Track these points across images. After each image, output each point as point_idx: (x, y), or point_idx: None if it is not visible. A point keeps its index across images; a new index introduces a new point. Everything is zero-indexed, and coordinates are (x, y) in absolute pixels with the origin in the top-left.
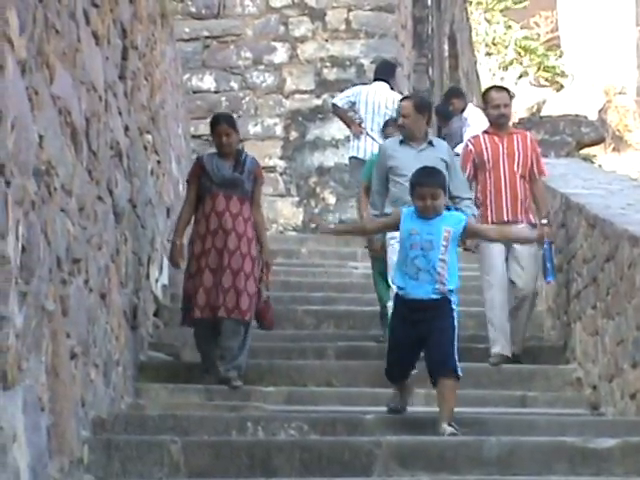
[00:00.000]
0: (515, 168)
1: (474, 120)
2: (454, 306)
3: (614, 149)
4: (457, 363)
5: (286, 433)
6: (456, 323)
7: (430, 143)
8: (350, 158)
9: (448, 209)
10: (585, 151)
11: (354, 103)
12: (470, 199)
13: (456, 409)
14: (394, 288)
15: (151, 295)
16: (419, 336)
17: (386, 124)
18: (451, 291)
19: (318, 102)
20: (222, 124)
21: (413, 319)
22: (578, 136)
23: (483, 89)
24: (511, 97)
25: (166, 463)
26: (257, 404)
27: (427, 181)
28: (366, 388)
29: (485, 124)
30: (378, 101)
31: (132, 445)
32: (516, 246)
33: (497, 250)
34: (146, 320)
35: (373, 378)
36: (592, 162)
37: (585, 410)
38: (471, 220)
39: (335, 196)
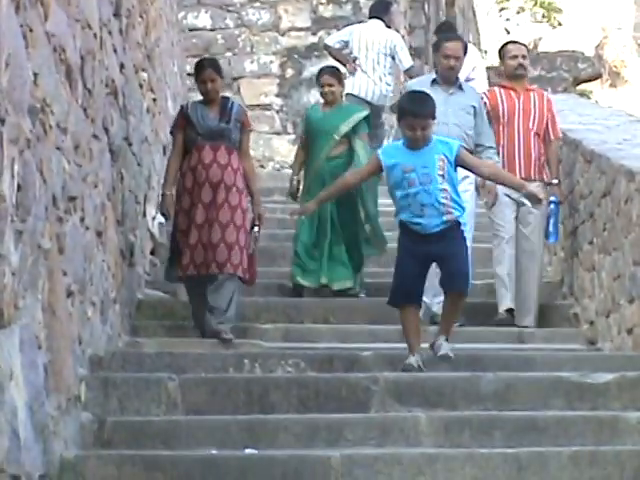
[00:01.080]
0: (530, 125)
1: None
2: (465, 230)
3: (611, 85)
4: (469, 282)
5: (283, 370)
6: (468, 244)
7: (460, 87)
8: (347, 95)
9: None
10: (582, 87)
11: (347, 42)
12: (493, 148)
13: (453, 345)
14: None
15: (148, 233)
16: (430, 258)
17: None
18: (459, 216)
19: (314, 39)
20: (207, 69)
21: (423, 247)
22: (575, 72)
23: (500, 44)
24: (528, 51)
25: (163, 400)
26: (254, 341)
27: (420, 111)
28: (363, 325)
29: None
30: (372, 39)
31: (129, 383)
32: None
33: (509, 210)
34: (143, 258)
35: (370, 314)
36: (589, 98)
37: (582, 345)
38: (462, 150)
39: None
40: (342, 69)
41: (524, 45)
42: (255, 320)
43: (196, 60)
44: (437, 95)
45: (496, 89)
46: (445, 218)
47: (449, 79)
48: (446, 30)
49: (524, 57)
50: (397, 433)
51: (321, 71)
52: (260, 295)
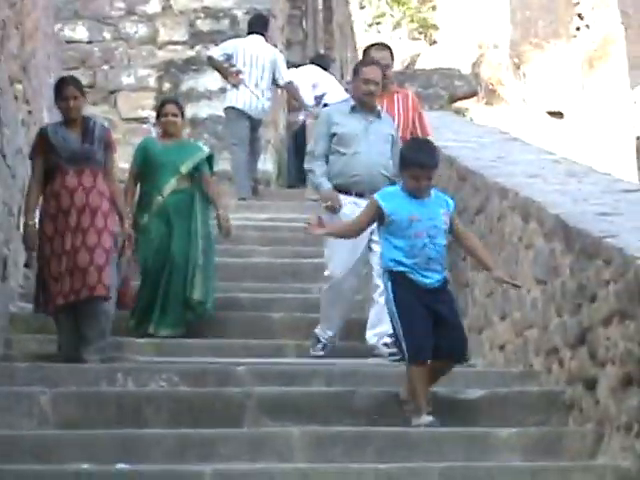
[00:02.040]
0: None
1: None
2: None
3: (487, 103)
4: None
5: (156, 384)
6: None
7: (378, 115)
8: (227, 108)
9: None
10: (458, 105)
11: (230, 56)
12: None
13: (327, 360)
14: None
15: (22, 246)
16: (432, 314)
17: None
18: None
19: (192, 53)
20: (69, 86)
21: (425, 298)
22: (451, 89)
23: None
24: (392, 55)
25: (35, 414)
26: (128, 355)
27: (428, 161)
28: (239, 339)
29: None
30: (256, 54)
31: (1, 396)
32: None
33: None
34: (16, 271)
35: (245, 329)
36: (465, 115)
37: None
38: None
39: (208, 147)
40: (221, 83)
41: (388, 47)
42: (129, 334)
43: (60, 78)
44: (357, 123)
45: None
46: (445, 274)
47: (368, 105)
48: (319, 60)
49: (377, 84)
50: (270, 448)
51: (164, 101)
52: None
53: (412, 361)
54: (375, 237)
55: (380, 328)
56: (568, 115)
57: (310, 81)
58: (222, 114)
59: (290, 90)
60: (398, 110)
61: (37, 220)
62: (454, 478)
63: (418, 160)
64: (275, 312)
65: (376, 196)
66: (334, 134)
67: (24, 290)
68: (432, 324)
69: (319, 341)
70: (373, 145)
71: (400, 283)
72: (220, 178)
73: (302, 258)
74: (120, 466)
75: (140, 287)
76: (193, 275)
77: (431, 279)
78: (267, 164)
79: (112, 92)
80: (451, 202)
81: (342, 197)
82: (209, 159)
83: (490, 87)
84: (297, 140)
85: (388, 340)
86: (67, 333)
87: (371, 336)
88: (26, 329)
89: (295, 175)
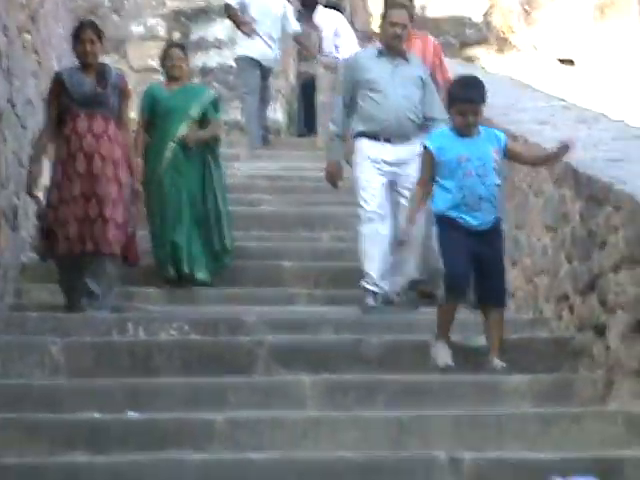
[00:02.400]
0: None
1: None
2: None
3: (498, 50)
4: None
5: (167, 333)
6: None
7: (405, 58)
8: (238, 58)
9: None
10: (469, 52)
11: (245, 6)
12: (445, 121)
13: (337, 309)
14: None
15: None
16: (477, 257)
17: None
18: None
19: (201, 3)
20: (87, 30)
21: (471, 239)
22: (462, 37)
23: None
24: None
25: (47, 364)
26: (139, 305)
27: (474, 96)
28: (250, 288)
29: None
30: (269, 5)
31: (13, 346)
32: None
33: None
34: (27, 221)
35: (255, 278)
36: (475, 63)
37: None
38: (509, 140)
39: (218, 97)
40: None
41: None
42: (140, 284)
43: (79, 21)
44: (382, 66)
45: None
46: (497, 215)
47: (395, 48)
48: (333, 4)
49: (404, 27)
50: (281, 396)
51: (169, 46)
52: (145, 259)
53: (447, 291)
54: (402, 188)
55: (399, 278)
56: (579, 62)
57: (333, 27)
58: (232, 63)
59: (299, 40)
60: (426, 50)
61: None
62: (464, 425)
63: (464, 95)
64: (285, 261)
65: (425, 142)
66: (361, 80)
67: (35, 241)
68: (474, 268)
69: (368, 292)
70: (399, 89)
71: (448, 227)
72: (231, 127)
73: (312, 206)
74: (131, 414)
75: (156, 240)
76: (220, 224)
77: (480, 220)
78: (277, 113)
79: (121, 42)
80: (502, 136)
81: (369, 142)
82: (215, 103)
83: (501, 34)
84: (307, 90)
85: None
86: (70, 281)
87: (392, 287)
88: (37, 279)
89: (305, 124)
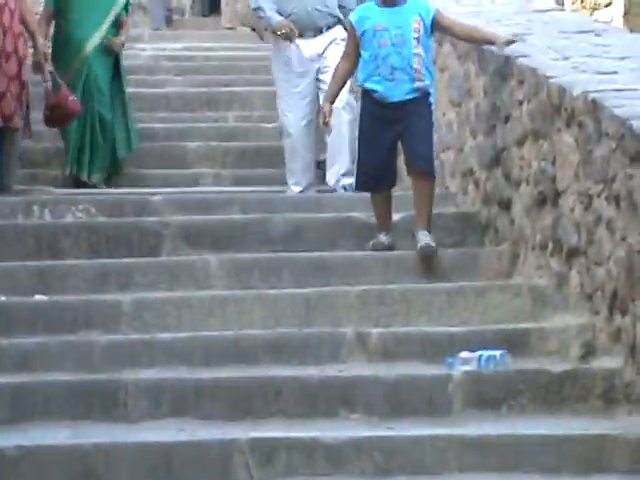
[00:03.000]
0: None
1: None
2: (432, 102)
3: None
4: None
5: (73, 216)
6: (434, 120)
7: None
8: None
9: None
10: None
11: None
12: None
13: (244, 189)
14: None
15: None
16: (396, 135)
17: None
18: (429, 86)
19: None
20: None
21: (390, 119)
22: None
23: None
24: None
25: None
26: (44, 187)
27: None
28: (156, 170)
29: None
30: None
31: None
32: None
33: None
34: None
35: (161, 160)
36: None
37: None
38: (439, 12)
39: None
40: None
41: None
42: (45, 166)
43: None
44: None
45: None
46: (416, 85)
47: None
48: None
49: None
50: (187, 276)
51: None
52: (48, 141)
53: (358, 189)
54: (322, 76)
55: (334, 168)
56: None
57: None
58: None
59: None
60: None
61: None
62: (371, 300)
63: None
64: (190, 141)
65: (350, 16)
66: None
67: None
68: (394, 149)
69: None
70: None
71: (365, 105)
72: (134, 8)
73: (217, 87)
74: (39, 297)
75: (67, 132)
76: (113, 130)
77: (395, 90)
78: None
79: None
80: (431, 8)
81: (283, 42)
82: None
83: None
84: None
85: (347, 182)
86: None
87: (330, 178)
88: None
89: (209, 4)
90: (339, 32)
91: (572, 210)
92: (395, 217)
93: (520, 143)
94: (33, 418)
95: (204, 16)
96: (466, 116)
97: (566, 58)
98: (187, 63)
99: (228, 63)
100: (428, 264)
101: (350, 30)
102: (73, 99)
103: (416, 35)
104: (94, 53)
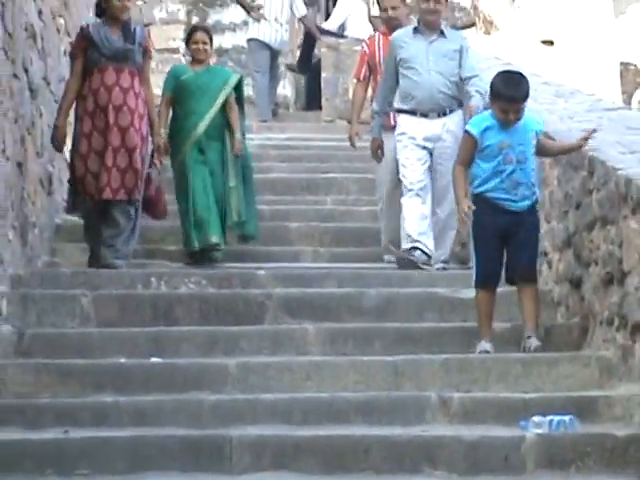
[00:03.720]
0: None
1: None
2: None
3: (485, 32)
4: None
5: (186, 287)
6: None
7: (442, 33)
8: (249, 40)
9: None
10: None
11: None
12: (476, 76)
13: (340, 265)
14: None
15: (65, 163)
16: (509, 232)
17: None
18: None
19: None
20: None
21: (505, 225)
22: (452, 20)
23: None
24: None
25: (78, 314)
26: (160, 261)
27: (515, 95)
28: (261, 247)
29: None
30: None
31: (47, 298)
32: None
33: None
34: (61, 186)
35: (265, 237)
36: None
37: (454, 265)
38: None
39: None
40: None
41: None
42: (161, 243)
43: None
44: (418, 43)
45: (376, 36)
46: (534, 198)
47: (431, 24)
48: None
49: (393, 8)
50: (288, 343)
51: (194, 29)
52: (167, 220)
53: (478, 285)
54: (439, 160)
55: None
56: (559, 43)
57: (344, 11)
58: (245, 44)
59: (305, 22)
60: None
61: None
62: (452, 367)
63: (505, 94)
64: (292, 222)
65: (468, 127)
66: (398, 59)
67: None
68: (506, 249)
69: (408, 250)
70: (433, 65)
71: (482, 206)
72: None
73: (316, 173)
74: (154, 360)
75: (185, 210)
76: (228, 200)
77: (518, 204)
78: (286, 89)
79: (146, 25)
80: (542, 123)
81: (408, 117)
82: (239, 84)
83: (488, 18)
84: (313, 67)
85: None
86: (95, 232)
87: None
88: (70, 239)
89: (311, 99)
90: (461, 118)
91: (637, 289)
92: (472, 294)
93: (590, 228)
94: (149, 469)
95: (306, 110)
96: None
97: (632, 152)
98: (290, 152)
99: (326, 152)
100: None
101: (470, 142)
102: (164, 205)
103: (533, 150)
104: (204, 136)
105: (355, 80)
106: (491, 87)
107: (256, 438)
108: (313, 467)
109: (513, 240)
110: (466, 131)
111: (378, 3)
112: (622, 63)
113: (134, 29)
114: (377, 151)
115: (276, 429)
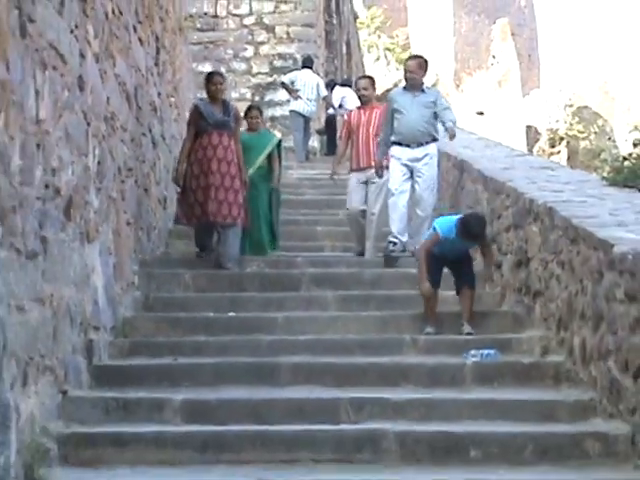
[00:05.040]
0: (371, 131)
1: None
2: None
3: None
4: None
5: (251, 268)
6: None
7: (423, 91)
8: (291, 111)
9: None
10: None
11: (293, 81)
12: (449, 112)
13: (348, 254)
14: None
15: (174, 190)
16: (452, 265)
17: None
18: None
19: (271, 79)
20: (216, 76)
21: (447, 262)
22: None
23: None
24: (372, 83)
25: (182, 284)
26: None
27: (479, 233)
28: (298, 242)
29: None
30: (307, 80)
31: (163, 274)
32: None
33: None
34: (171, 204)
35: (302, 236)
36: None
37: None
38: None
39: (281, 132)
40: (288, 96)
41: (370, 77)
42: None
43: (209, 72)
44: (405, 98)
45: (354, 110)
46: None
47: (413, 86)
48: (345, 82)
49: (365, 89)
50: (315, 304)
51: (250, 107)
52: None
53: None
54: (417, 177)
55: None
56: (487, 113)
57: (341, 94)
58: (288, 114)
59: (327, 100)
60: (375, 118)
61: (185, 165)
62: (419, 319)
63: (472, 231)
64: (319, 226)
65: (437, 228)
66: (393, 108)
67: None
68: (453, 273)
69: (390, 242)
70: (416, 111)
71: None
72: (286, 151)
73: (333, 195)
74: (231, 314)
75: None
76: (270, 230)
77: (454, 258)
78: (314, 142)
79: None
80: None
81: (398, 147)
82: (279, 144)
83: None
84: (330, 128)
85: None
86: (203, 238)
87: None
88: (177, 237)
89: (329, 149)
90: (434, 148)
91: (536, 269)
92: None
93: (507, 230)
94: (226, 383)
95: (327, 155)
96: None
97: (533, 182)
98: (316, 182)
99: (339, 182)
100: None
101: (436, 237)
102: (246, 219)
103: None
104: (251, 181)
105: (339, 138)
106: (462, 221)
107: (295, 364)
108: (330, 382)
109: (458, 268)
110: (433, 228)
111: (356, 85)
112: (527, 126)
113: (229, 105)
114: (379, 168)
115: (307, 358)
